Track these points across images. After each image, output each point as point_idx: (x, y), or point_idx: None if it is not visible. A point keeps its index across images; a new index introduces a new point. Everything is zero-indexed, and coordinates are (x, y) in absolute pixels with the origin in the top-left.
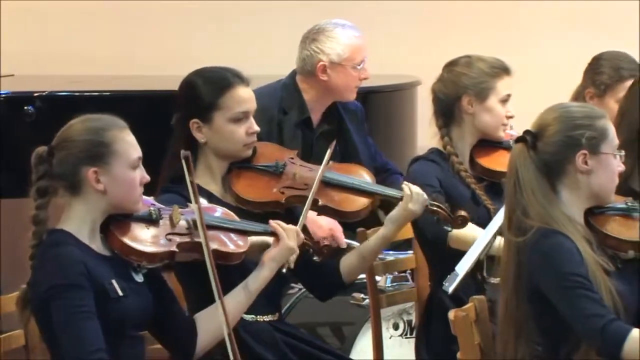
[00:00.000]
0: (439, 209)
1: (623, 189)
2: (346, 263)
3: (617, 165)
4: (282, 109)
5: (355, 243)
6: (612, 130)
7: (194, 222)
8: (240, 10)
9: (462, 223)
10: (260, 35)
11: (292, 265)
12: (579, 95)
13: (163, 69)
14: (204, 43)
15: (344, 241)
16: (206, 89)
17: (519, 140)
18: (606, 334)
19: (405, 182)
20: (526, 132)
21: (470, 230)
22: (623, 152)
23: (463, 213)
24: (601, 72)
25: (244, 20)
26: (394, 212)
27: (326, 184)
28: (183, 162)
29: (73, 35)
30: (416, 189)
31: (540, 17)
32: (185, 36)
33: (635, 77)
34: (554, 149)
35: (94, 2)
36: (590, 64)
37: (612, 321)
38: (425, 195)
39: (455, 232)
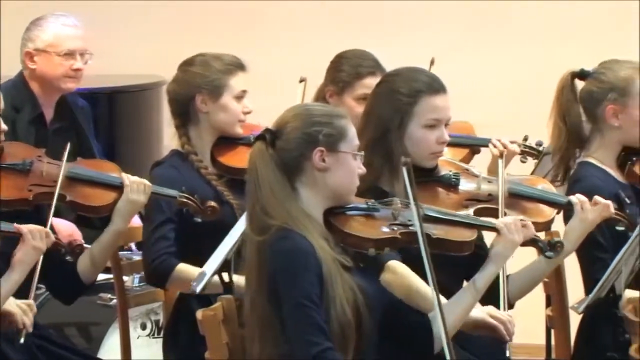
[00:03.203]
0: (188, 201)
1: (374, 191)
2: (82, 263)
3: (358, 166)
4: (13, 107)
5: None
6: (352, 131)
7: None
8: None
9: (212, 213)
10: None
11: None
12: (320, 94)
13: None
14: None
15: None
16: None
17: (258, 138)
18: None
19: (125, 175)
20: (266, 130)
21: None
22: (362, 153)
23: (212, 203)
24: (341, 70)
25: None
26: (119, 205)
27: (73, 179)
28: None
29: None
30: (136, 179)
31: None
32: None
33: (374, 74)
34: (292, 145)
35: None
36: (332, 62)
37: (325, 350)
38: (146, 183)
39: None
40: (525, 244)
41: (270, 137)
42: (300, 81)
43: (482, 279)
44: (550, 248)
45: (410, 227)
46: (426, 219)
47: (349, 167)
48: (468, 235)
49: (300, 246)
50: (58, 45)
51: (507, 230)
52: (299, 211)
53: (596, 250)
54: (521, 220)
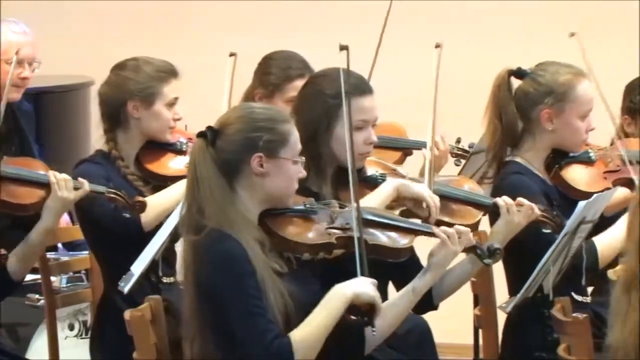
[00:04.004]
0: (116, 196)
1: (302, 192)
2: (11, 261)
3: (298, 171)
4: None
5: None
6: (294, 136)
7: None
8: None
9: (141, 208)
10: None
11: None
12: (249, 96)
13: None
14: None
15: None
16: None
17: (200, 135)
18: (272, 349)
19: (52, 172)
20: (208, 128)
21: None
22: (303, 159)
23: (141, 199)
24: (269, 73)
25: None
26: (48, 202)
27: (3, 178)
28: None
29: None
30: (64, 176)
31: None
32: None
33: (303, 76)
34: (232, 148)
35: None
36: (259, 64)
37: (279, 336)
38: (71, 182)
39: None
40: (464, 250)
41: (211, 135)
42: (230, 55)
43: (420, 286)
44: (490, 255)
45: (348, 232)
46: (365, 222)
47: (288, 173)
48: (407, 241)
49: (234, 251)
50: (7, 52)
51: (449, 240)
52: (236, 213)
53: (523, 251)
54: (459, 228)
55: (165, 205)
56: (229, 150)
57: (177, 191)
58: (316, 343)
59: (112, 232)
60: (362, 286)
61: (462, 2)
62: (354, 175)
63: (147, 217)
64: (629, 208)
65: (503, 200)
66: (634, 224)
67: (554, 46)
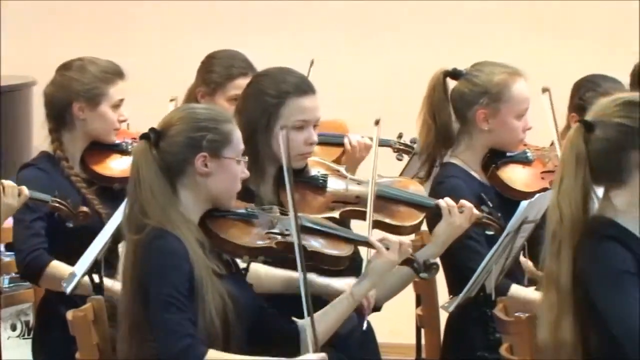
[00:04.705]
0: (60, 206)
1: (241, 190)
2: None
3: (241, 170)
4: None
5: None
6: (237, 136)
7: None
8: None
9: (84, 218)
10: None
11: None
12: (191, 94)
13: None
14: None
15: None
16: None
17: (142, 137)
18: (181, 346)
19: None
20: (151, 129)
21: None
22: (246, 158)
23: (84, 209)
24: (212, 71)
25: None
26: None
27: None
28: None
29: None
30: (10, 183)
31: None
32: None
33: (245, 75)
34: (175, 149)
35: None
36: (202, 63)
37: (192, 345)
38: (22, 189)
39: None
40: (401, 262)
41: (154, 137)
42: (171, 100)
43: (359, 292)
44: (426, 269)
45: (287, 237)
46: (304, 229)
47: (231, 173)
48: (345, 249)
49: (173, 247)
50: None
51: (386, 251)
52: (177, 214)
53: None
54: (401, 239)
55: None
56: (173, 151)
57: None
58: None
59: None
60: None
61: (407, 2)
62: (291, 185)
63: None
64: (548, 209)
65: (445, 202)
66: (550, 223)
67: (500, 48)
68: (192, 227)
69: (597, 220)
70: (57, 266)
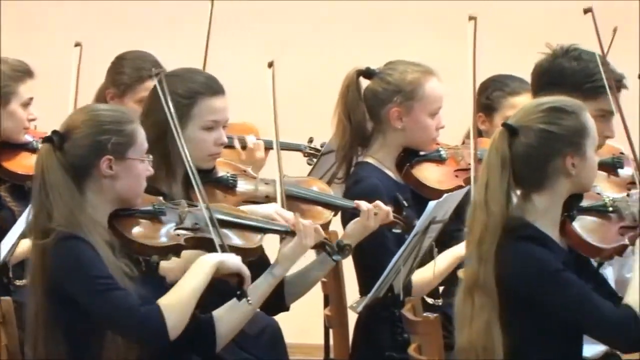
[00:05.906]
0: None
1: (150, 192)
2: None
3: (146, 169)
4: None
5: None
6: (141, 136)
7: None
8: None
9: None
10: None
11: None
12: (100, 95)
13: None
14: None
15: None
16: None
17: (45, 140)
18: (141, 316)
19: None
20: (54, 132)
21: None
22: (151, 157)
23: None
24: (122, 72)
25: None
26: None
27: None
28: None
29: None
30: None
31: None
32: None
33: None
34: (81, 152)
35: None
36: (112, 64)
37: (147, 308)
38: None
39: None
40: (314, 247)
41: (58, 139)
42: (76, 45)
43: (267, 283)
44: (339, 251)
45: (197, 232)
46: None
47: (136, 173)
48: (256, 240)
49: (83, 249)
50: None
51: (302, 234)
52: (85, 217)
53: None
54: (313, 224)
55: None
56: (77, 155)
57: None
58: (186, 307)
59: None
60: (227, 256)
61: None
62: (197, 177)
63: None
64: (467, 211)
65: (365, 205)
66: (473, 226)
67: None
68: (101, 229)
69: (517, 221)
70: None
